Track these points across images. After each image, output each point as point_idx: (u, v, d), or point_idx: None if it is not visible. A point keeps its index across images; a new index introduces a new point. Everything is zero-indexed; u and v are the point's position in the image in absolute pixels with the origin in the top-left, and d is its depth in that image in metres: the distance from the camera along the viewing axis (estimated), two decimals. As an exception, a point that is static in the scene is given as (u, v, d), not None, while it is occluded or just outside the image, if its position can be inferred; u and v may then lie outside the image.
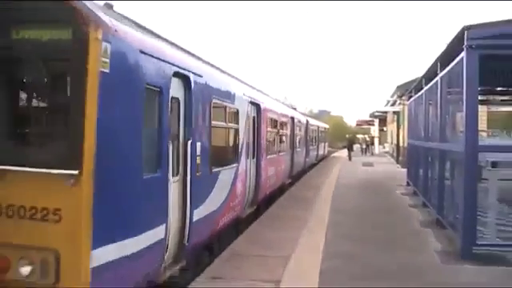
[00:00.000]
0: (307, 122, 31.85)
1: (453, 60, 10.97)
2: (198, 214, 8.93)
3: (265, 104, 16.35)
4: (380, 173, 32.03)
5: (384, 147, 65.43)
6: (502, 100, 25.30)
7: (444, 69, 12.38)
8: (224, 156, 11.51)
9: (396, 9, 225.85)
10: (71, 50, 5.57)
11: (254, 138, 14.77)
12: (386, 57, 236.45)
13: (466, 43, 9.66)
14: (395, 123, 44.69)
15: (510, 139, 14.25)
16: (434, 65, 13.68)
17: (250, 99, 13.98)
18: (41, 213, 5.57)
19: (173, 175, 7.88)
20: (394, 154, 45.51)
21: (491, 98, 23.85)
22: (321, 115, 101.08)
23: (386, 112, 52.85)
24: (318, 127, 41.62)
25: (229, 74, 12.96)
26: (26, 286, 5.50)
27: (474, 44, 9.61)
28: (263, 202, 16.26)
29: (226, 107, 11.43)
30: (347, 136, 62.43)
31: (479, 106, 11.74)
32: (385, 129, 65.79)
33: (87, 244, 5.52)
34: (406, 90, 27.39)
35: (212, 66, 11.35)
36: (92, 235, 5.54)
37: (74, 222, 5.51)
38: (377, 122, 68.78)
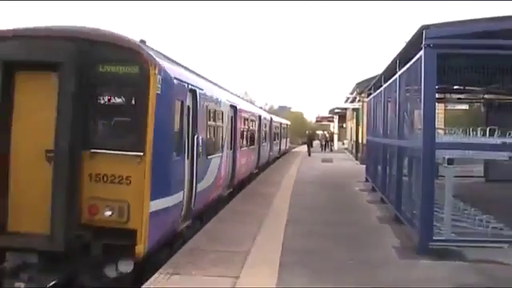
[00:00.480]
0: (271, 119, 35.93)
1: (411, 58, 11.12)
2: (200, 187, 12.32)
3: (240, 106, 20.50)
4: (339, 169, 32.32)
5: (343, 144, 65.96)
6: (458, 98, 25.77)
7: (403, 67, 12.54)
8: (214, 147, 14.91)
9: (356, 6, 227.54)
10: (138, 80, 8.91)
11: (232, 133, 18.30)
12: (346, 53, 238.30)
13: (424, 42, 9.80)
14: (354, 120, 45.11)
15: (466, 137, 14.45)
16: (393, 63, 13.85)
17: (229, 103, 17.96)
18: (118, 178, 8.77)
19: (186, 158, 11.29)
20: (353, 151, 45.93)
21: (448, 96, 24.27)
22: (281, 111, 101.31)
23: (345, 109, 53.29)
24: (281, 124, 45.67)
25: (216, 85, 17.48)
26: (111, 224, 8.65)
27: (432, 43, 9.77)
28: (237, 186, 19.82)
29: (215, 110, 14.98)
30: (307, 132, 62.74)
31: (437, 104, 11.96)
32: (344, 125, 66.32)
33: (147, 198, 8.72)
34: (366, 86, 27.68)
35: (207, 80, 15.67)
36: (149, 193, 8.72)
37: (139, 185, 8.71)
38: (336, 118, 69.25)
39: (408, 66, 11.71)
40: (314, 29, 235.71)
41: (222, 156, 15.92)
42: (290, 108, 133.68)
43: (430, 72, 9.82)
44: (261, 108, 35.56)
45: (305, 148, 53.10)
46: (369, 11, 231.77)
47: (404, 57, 12.22)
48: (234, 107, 18.71)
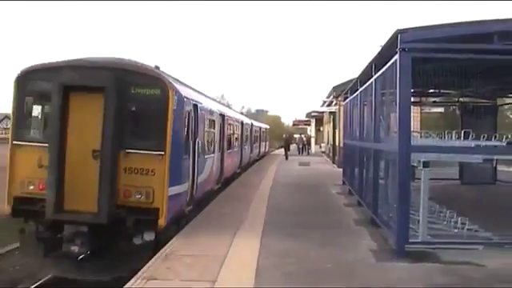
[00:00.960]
0: (252, 124, 39.11)
1: (387, 62, 11.20)
2: (199, 180, 15.62)
3: (227, 114, 24.36)
4: (316, 172, 32.40)
5: (321, 147, 66.17)
6: (434, 101, 26.01)
7: (378, 70, 12.63)
8: (208, 149, 18.02)
9: (333, 9, 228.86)
10: (160, 99, 12.01)
11: (220, 137, 21.28)
12: (323, 57, 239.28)
13: (399, 46, 9.89)
14: (331, 123, 45.25)
15: (441, 140, 14.60)
16: (369, 66, 13.94)
17: (219, 112, 21.47)
18: (145, 171, 11.82)
19: (191, 157, 14.56)
20: (330, 154, 46.05)
21: (424, 99, 24.48)
22: (258, 115, 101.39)
23: (322, 112, 53.41)
24: (260, 128, 48.52)
25: (209, 97, 22.39)
26: (140, 204, 11.65)
27: (407, 47, 9.86)
28: (224, 183, 22.66)
29: (209, 119, 18.34)
30: (284, 136, 62.90)
31: (412, 107, 12.06)
32: (321, 129, 66.51)
33: (166, 185, 11.80)
34: (342, 90, 27.78)
35: (204, 94, 19.68)
36: (167, 182, 11.83)
37: (160, 176, 11.79)
38: (313, 121, 69.45)
39: (383, 69, 11.79)
40: (291, 32, 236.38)
41: (213, 156, 19.32)
42: (267, 111, 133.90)
43: (405, 76, 9.91)
44: (241, 113, 40.41)
45: (283, 151, 53.20)
46: (345, 14, 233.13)
47: (380, 61, 12.29)
48: (222, 115, 21.96)
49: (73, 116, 12.00)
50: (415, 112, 26.45)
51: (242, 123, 31.07)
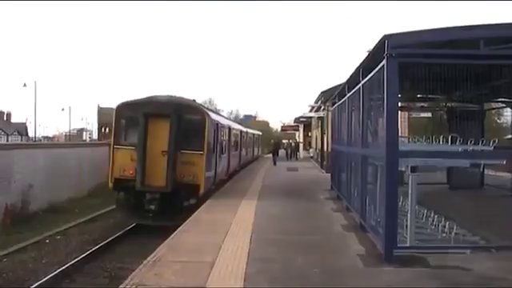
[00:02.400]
0: (247, 131, 47.40)
1: (374, 67, 11.23)
2: (218, 170, 24.60)
3: (231, 126, 33.24)
4: (304, 178, 32.44)
5: (309, 152, 66.24)
6: (422, 106, 26.10)
7: (366, 76, 12.65)
8: (223, 151, 26.93)
9: (321, 13, 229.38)
10: (201, 121, 21.13)
11: (227, 143, 29.67)
12: (311, 61, 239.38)
13: (386, 51, 9.91)
14: (320, 128, 45.33)
15: (429, 145, 14.66)
16: (357, 72, 13.96)
17: (227, 125, 30.68)
18: (192, 163, 20.47)
19: (215, 155, 23.54)
20: (319, 159, 46.12)
21: (412, 104, 24.56)
22: (246, 120, 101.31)
23: (310, 117, 53.51)
24: (254, 134, 56.34)
25: (223, 116, 42.57)
26: (189, 182, 20.32)
27: (394, 52, 9.88)
28: (229, 176, 30.97)
29: (223, 131, 27.18)
30: (272, 141, 63.01)
31: (400, 113, 12.09)
32: (309, 134, 66.59)
33: (204, 171, 20.78)
34: (330, 95, 27.85)
35: (221, 115, 40.43)
36: (204, 169, 20.80)
37: (200, 165, 20.68)
38: (302, 127, 69.50)
39: (371, 75, 11.81)
40: (278, 37, 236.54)
41: (225, 156, 28.17)
42: (255, 117, 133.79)
43: (392, 81, 9.93)
44: (240, 124, 48.78)
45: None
46: (334, 19, 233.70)
47: (367, 66, 12.32)
48: (229, 127, 30.99)
49: (150, 131, 20.43)
50: (403, 117, 26.59)
51: (240, 131, 39.98)
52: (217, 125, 24.38)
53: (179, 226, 14.43)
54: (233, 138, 32.82)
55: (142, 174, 19.95)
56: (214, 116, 24.91)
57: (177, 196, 20.11)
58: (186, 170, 20.42)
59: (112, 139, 21.76)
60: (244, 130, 43.95)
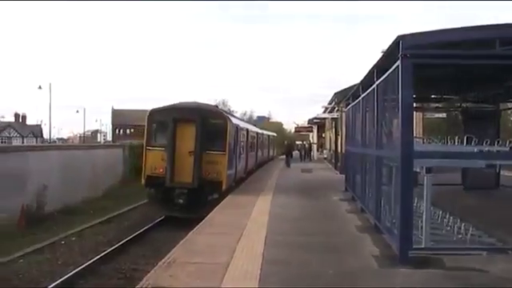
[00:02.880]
0: (263, 133, 50.80)
1: (389, 68, 11.18)
2: (237, 168, 27.43)
3: (248, 128, 36.23)
4: (318, 179, 32.39)
5: (323, 153, 66.10)
6: (436, 107, 26.00)
7: (380, 76, 12.60)
8: (242, 151, 29.87)
9: (336, 13, 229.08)
10: (223, 125, 24.01)
11: (246, 144, 32.63)
12: (325, 62, 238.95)
13: (400, 52, 9.86)
14: (333, 129, 45.22)
15: (444, 145, 14.59)
16: (371, 73, 13.90)
17: (246, 128, 33.73)
18: (216, 162, 23.02)
19: (236, 155, 26.44)
20: (333, 160, 46.02)
21: (426, 105, 24.47)
22: (260, 121, 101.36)
23: (324, 118, 53.39)
24: (269, 136, 59.45)
25: (241, 119, 47.71)
26: (213, 179, 22.86)
27: (409, 53, 9.83)
28: (247, 174, 33.47)
29: (242, 133, 29.93)
30: (285, 142, 62.93)
31: (414, 113, 12.03)
32: (323, 135, 66.45)
33: (226, 169, 23.33)
34: (344, 96, 27.78)
35: (240, 119, 44.19)
36: (226, 168, 23.36)
37: (223, 164, 23.21)
38: (315, 128, 69.36)
39: (385, 75, 11.76)
40: (292, 38, 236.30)
41: (243, 156, 30.86)
42: (268, 118, 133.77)
43: (406, 82, 9.87)
44: (255, 126, 51.64)
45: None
46: (349, 19, 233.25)
47: (381, 67, 12.27)
48: (246, 130, 33.84)
49: (178, 134, 23.07)
50: (417, 117, 26.47)
51: (256, 133, 42.46)
52: (236, 128, 27.25)
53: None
54: (250, 140, 35.39)
55: (171, 172, 22.70)
56: (234, 120, 28.40)
57: (202, 191, 22.85)
58: (210, 169, 23.01)
59: (144, 141, 24.21)
60: (260, 131, 47.08)
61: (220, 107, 44.14)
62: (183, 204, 22.70)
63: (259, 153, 44.15)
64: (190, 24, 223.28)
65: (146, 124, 24.38)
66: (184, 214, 21.82)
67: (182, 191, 22.69)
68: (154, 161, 23.24)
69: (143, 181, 23.62)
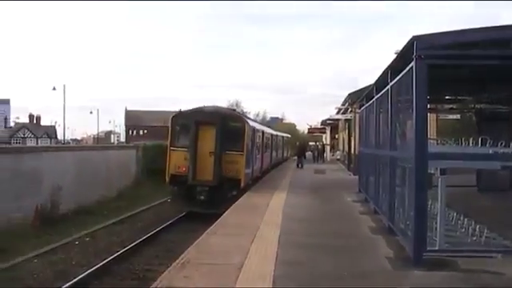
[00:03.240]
0: (277, 134, 53.11)
1: (403, 69, 11.14)
2: (254, 167, 29.51)
3: (264, 130, 38.13)
4: (331, 180, 32.38)
5: (333, 155, 65.96)
6: (450, 108, 25.86)
7: (394, 77, 12.56)
8: (258, 151, 31.55)
9: (349, 14, 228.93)
10: (241, 128, 25.93)
11: (261, 145, 34.48)
12: (338, 63, 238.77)
13: (415, 53, 9.82)
14: (347, 131, 45.13)
15: (458, 146, 14.52)
16: (385, 73, 13.86)
17: (261, 129, 36.06)
18: (234, 161, 24.94)
19: (253, 155, 28.94)
20: (346, 162, 45.93)
21: (440, 106, 24.35)
22: (273, 122, 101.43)
23: (337, 120, 53.30)
24: (283, 137, 61.11)
25: (257, 121, 53.65)
26: (232, 177, 24.78)
27: (423, 54, 9.79)
28: (262, 173, 34.92)
29: (258, 135, 31.85)
30: (297, 143, 63.01)
31: (428, 114, 11.96)
32: (336, 136, 66.31)
33: (244, 168, 25.31)
34: (358, 97, 27.74)
35: (256, 121, 49.11)
36: (244, 167, 25.31)
37: (241, 163, 25.15)
38: (328, 129, 69.25)
39: (399, 76, 11.72)
40: (306, 40, 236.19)
41: (259, 156, 32.75)
42: (281, 119, 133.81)
43: (421, 83, 9.83)
44: (269, 127, 53.95)
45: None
46: (362, 20, 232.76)
47: (395, 68, 12.23)
48: (262, 131, 35.67)
49: (200, 136, 24.79)
50: (431, 119, 26.34)
51: (271, 135, 44.65)
52: (253, 130, 29.44)
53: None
54: (265, 141, 37.58)
55: (193, 171, 24.46)
56: (251, 123, 30.81)
57: (222, 188, 24.60)
58: (229, 168, 24.82)
59: (168, 142, 26.12)
60: (274, 133, 49.53)
61: (233, 108, 48.01)
62: (204, 200, 24.40)
63: (274, 153, 46.28)
64: (204, 25, 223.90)
65: (169, 126, 26.29)
66: (205, 210, 23.06)
67: (204, 188, 24.47)
68: (178, 160, 25.06)
69: (167, 179, 25.51)
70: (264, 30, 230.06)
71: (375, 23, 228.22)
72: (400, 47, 11.22)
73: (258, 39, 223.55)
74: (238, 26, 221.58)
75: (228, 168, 24.80)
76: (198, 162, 24.54)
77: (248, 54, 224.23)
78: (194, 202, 24.61)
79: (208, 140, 24.77)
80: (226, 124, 25.12)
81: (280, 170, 43.80)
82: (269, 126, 57.70)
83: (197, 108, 27.43)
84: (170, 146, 25.68)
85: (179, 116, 26.87)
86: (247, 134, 26.15)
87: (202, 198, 24.47)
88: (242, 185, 25.11)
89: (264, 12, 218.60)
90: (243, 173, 25.26)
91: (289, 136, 73.33)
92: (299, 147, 54.92)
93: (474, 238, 11.53)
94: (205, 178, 24.55)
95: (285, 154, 63.30)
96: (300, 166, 47.04)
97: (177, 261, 10.37)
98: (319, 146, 68.78)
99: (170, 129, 26.23)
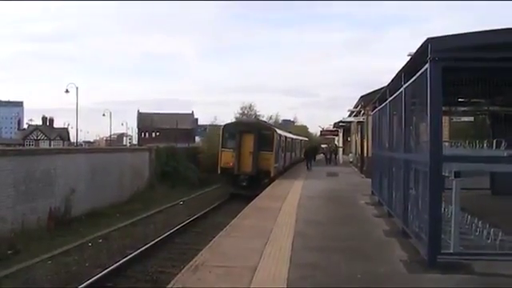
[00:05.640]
0: (296, 138, 62.45)
1: (417, 71, 11.09)
2: (279, 164, 40.37)
3: (286, 135, 48.66)
4: (344, 182, 32.25)
5: (348, 157, 65.75)
6: (463, 110, 25.72)
7: (408, 80, 12.52)
8: (282, 151, 41.99)
9: (362, 16, 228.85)
10: (272, 136, 37.69)
11: (285, 147, 44.29)
12: (350, 65, 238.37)
13: (429, 55, 9.78)
14: (359, 133, 45.05)
15: (472, 149, 14.42)
16: (398, 76, 13.82)
17: (283, 134, 45.58)
18: (267, 158, 36.03)
19: (278, 155, 39.52)
20: (359, 164, 45.82)
21: (453, 108, 24.22)
22: (285, 125, 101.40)
23: (350, 122, 53.23)
24: (300, 140, 70.70)
25: (282, 129, 54.25)
26: (265, 169, 36.03)
27: (438, 56, 9.75)
28: (285, 169, 44.06)
29: (283, 139, 43.56)
30: (307, 146, 63.41)
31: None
32: (349, 139, 66.17)
33: (273, 163, 36.36)
34: (370, 100, 27.66)
35: (281, 128, 54.83)
36: (273, 162, 36.42)
37: (271, 160, 36.19)
38: (341, 131, 69.11)
39: (413, 79, 11.67)
40: (318, 42, 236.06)
41: (282, 156, 41.78)
42: (293, 122, 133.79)
43: (435, 85, 9.79)
44: (286, 131, 59.87)
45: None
46: (374, 22, 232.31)
47: (409, 70, 12.19)
48: (285, 136, 45.96)
49: (243, 140, 35.21)
50: (444, 121, 26.21)
51: (292, 139, 54.69)
52: (279, 136, 40.61)
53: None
54: (287, 144, 47.98)
55: (238, 165, 35.13)
56: (278, 131, 41.80)
57: (258, 177, 35.13)
58: (263, 162, 35.49)
59: (220, 145, 37.23)
60: (294, 137, 60.50)
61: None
62: (245, 185, 34.44)
63: (293, 154, 56.34)
64: (216, 27, 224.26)
65: (220, 133, 37.94)
66: (246, 192, 31.66)
67: (245, 177, 34.95)
68: (226, 158, 35.79)
69: (219, 171, 36.74)
70: (276, 33, 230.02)
71: (388, 25, 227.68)
72: (413, 49, 11.16)
73: (270, 41, 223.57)
74: (251, 28, 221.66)
75: (262, 163, 35.36)
76: (241, 159, 35.20)
77: (260, 57, 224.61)
78: (237, 187, 34.88)
79: (248, 143, 35.41)
80: (260, 132, 36.67)
81: (298, 168, 50.97)
82: (290, 132, 66.71)
83: (240, 120, 46.32)
84: (221, 148, 36.58)
85: (227, 126, 38.75)
86: (276, 139, 37.33)
87: (244, 184, 34.65)
88: (272, 175, 35.71)
89: (276, 14, 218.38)
90: (273, 166, 36.10)
91: (306, 139, 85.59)
92: (307, 149, 55.77)
93: (489, 241, 11.44)
94: (246, 169, 35.15)
95: (302, 155, 66.36)
96: (308, 167, 47.02)
97: (190, 263, 10.39)
98: (332, 148, 68.57)
99: (221, 135, 37.50)
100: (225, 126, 39.20)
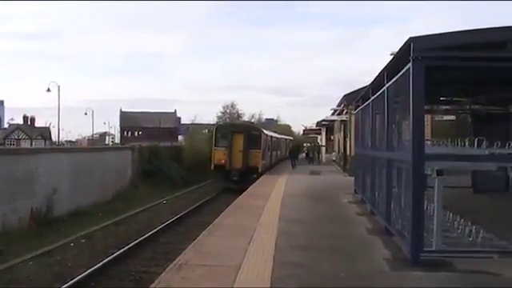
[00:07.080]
0: (281, 137, 67.48)
1: (399, 70, 11.15)
2: (266, 161, 44.96)
3: (272, 135, 54.13)
4: (327, 181, 32.34)
5: (331, 156, 65.88)
6: (445, 109, 25.87)
7: (390, 79, 12.58)
8: (268, 150, 46.98)
9: (343, 15, 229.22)
10: (259, 136, 41.96)
11: (271, 146, 49.84)
12: (333, 64, 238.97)
13: (412, 54, 9.83)
14: (342, 132, 45.16)
15: (454, 148, 14.51)
16: (381, 75, 13.88)
17: (270, 134, 50.93)
18: (255, 155, 40.06)
19: (266, 152, 44.61)
20: (341, 163, 45.94)
21: (435, 107, 24.35)
22: (268, 124, 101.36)
23: (333, 121, 53.29)
24: (286, 139, 74.97)
25: (271, 130, 62.84)
26: (253, 165, 40.19)
27: (420, 55, 9.80)
28: (271, 166, 48.25)
29: (272, 140, 51.30)
30: (290, 145, 63.92)
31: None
32: (332, 137, 66.27)
33: (261, 160, 40.77)
34: (353, 99, 27.72)
35: (269, 129, 59.10)
36: (261, 159, 40.76)
37: (259, 157, 40.45)
38: (324, 130, 69.22)
39: (396, 78, 11.73)
40: (300, 41, 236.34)
41: (269, 154, 47.28)
42: (276, 121, 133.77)
43: (418, 84, 9.84)
44: (272, 131, 62.33)
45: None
46: (358, 21, 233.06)
47: (392, 69, 12.25)
48: (271, 136, 50.51)
49: (234, 140, 39.54)
50: (426, 120, 26.33)
51: (277, 138, 60.03)
52: (266, 135, 45.45)
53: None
54: (274, 143, 53.79)
55: (229, 162, 39.01)
56: (265, 131, 46.41)
57: (247, 173, 38.70)
58: (252, 159, 39.49)
59: (213, 144, 41.08)
60: (279, 136, 65.77)
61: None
62: (236, 180, 38.14)
63: (279, 152, 61.65)
64: (200, 25, 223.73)
65: (213, 133, 42.77)
66: (237, 185, 35.38)
67: (236, 172, 38.96)
68: (219, 155, 39.61)
69: (212, 167, 40.44)
70: (261, 31, 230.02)
71: (371, 24, 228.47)
72: (396, 48, 11.22)
73: (254, 40, 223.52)
74: (235, 26, 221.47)
75: (251, 160, 39.36)
76: (232, 156, 39.10)
77: (245, 55, 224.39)
78: (229, 181, 38.75)
79: (239, 142, 39.42)
80: (249, 132, 40.73)
81: (283, 165, 55.86)
82: (275, 131, 69.98)
83: (232, 122, 54.33)
84: (214, 146, 40.54)
85: (220, 127, 45.96)
86: (263, 138, 41.81)
87: (235, 178, 38.60)
88: (260, 171, 39.66)
89: (261, 13, 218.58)
90: (260, 163, 40.37)
91: (291, 138, 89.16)
92: (291, 149, 59.44)
93: (471, 239, 11.54)
94: (237, 166, 39.01)
95: (286, 154, 72.53)
96: (293, 165, 49.03)
97: (174, 262, 10.37)
98: (315, 147, 68.68)
99: (214, 135, 42.08)
100: (217, 126, 45.87)
